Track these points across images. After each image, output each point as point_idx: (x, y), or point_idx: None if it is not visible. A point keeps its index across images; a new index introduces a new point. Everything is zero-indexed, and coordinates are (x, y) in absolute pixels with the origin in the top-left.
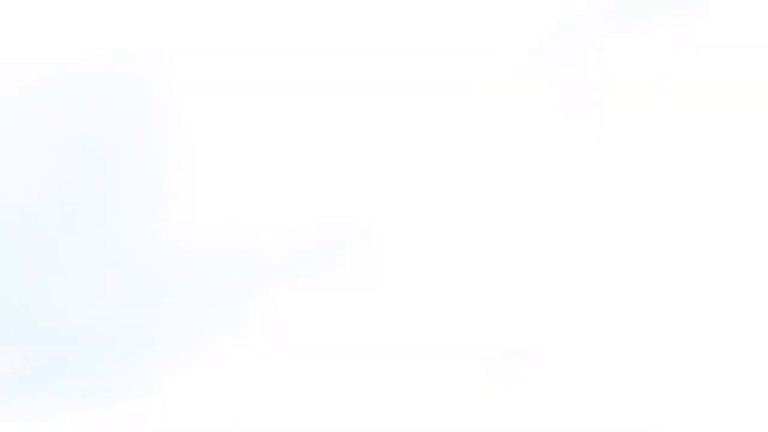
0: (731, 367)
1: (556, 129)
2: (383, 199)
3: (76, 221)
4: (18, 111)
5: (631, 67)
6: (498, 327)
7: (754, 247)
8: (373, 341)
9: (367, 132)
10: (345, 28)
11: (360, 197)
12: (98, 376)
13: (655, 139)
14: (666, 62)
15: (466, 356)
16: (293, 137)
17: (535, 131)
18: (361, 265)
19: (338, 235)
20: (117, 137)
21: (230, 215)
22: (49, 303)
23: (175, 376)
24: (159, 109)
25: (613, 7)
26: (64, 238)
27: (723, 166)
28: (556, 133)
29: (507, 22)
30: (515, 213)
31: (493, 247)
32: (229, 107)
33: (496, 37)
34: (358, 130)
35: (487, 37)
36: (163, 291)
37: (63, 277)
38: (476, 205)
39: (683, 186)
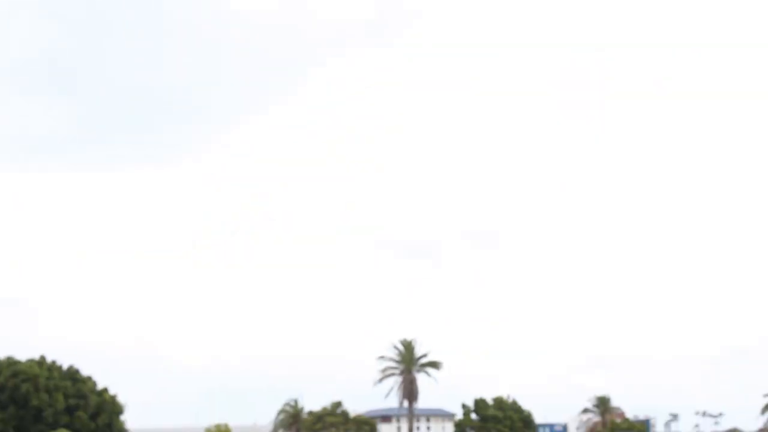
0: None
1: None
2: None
3: None
4: None
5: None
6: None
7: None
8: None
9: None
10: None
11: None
12: (151, 135)
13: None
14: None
15: None
16: None
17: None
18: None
19: None
20: None
21: None
22: (107, 64)
23: (222, 139)
24: None
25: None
26: (126, 5)
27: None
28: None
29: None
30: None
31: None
32: None
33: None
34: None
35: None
36: (218, 59)
37: (124, 41)
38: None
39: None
